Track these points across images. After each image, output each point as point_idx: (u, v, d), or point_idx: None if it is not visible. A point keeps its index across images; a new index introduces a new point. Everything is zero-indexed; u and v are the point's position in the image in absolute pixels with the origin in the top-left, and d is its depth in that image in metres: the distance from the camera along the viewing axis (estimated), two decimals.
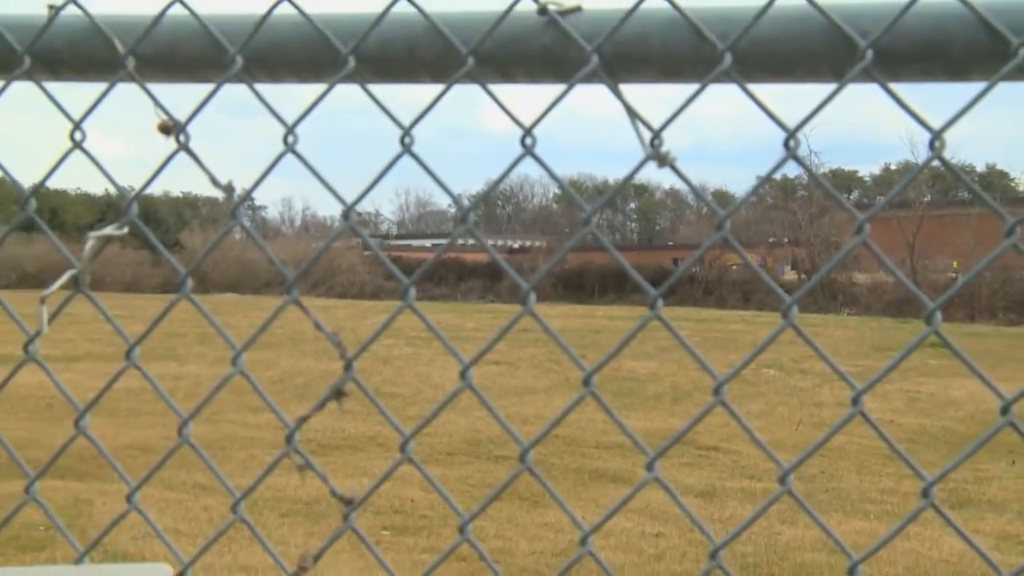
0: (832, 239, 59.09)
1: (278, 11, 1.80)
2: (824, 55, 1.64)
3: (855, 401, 1.66)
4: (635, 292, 48.11)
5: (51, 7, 1.91)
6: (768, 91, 1.70)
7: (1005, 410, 1.62)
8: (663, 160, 1.65)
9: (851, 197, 61.62)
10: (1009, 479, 14.95)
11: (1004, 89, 1.59)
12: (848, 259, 52.97)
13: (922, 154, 1.61)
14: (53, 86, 1.99)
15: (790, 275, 59.61)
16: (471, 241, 1.90)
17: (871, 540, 11.14)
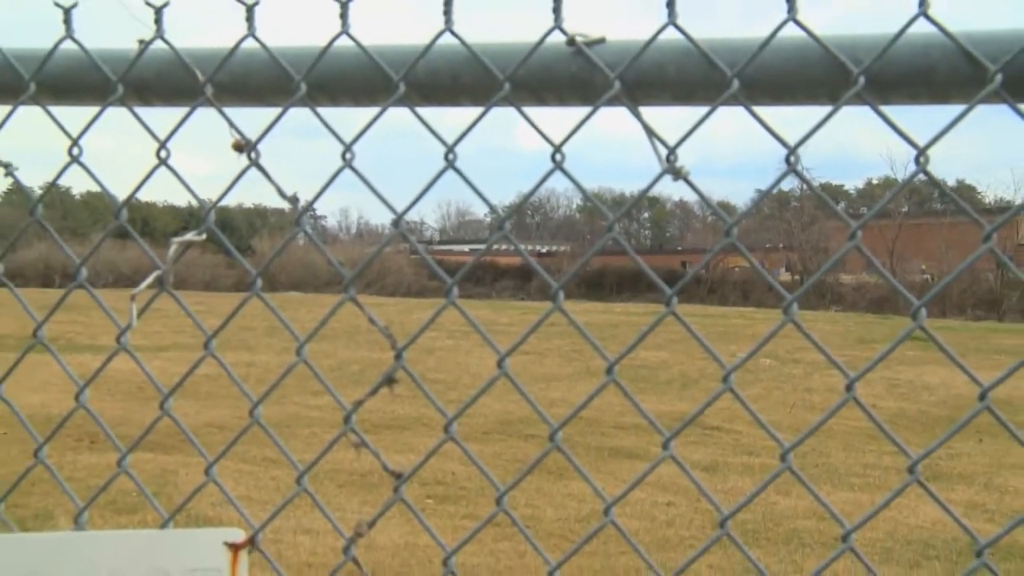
0: (821, 245, 59.04)
1: (338, 43, 1.79)
2: (821, 81, 1.63)
3: (848, 388, 1.64)
4: (649, 291, 48.12)
5: (141, 41, 1.90)
6: (769, 113, 1.68)
7: (983, 396, 1.60)
8: (677, 174, 1.64)
9: (842, 204, 61.50)
10: (977, 455, 14.90)
11: (976, 112, 1.57)
12: (831, 258, 52.72)
13: (900, 170, 1.59)
14: (141, 111, 1.98)
15: (784, 276, 59.78)
16: (503, 246, 1.89)
17: (856, 509, 11.15)
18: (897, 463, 14.57)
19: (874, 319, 40.09)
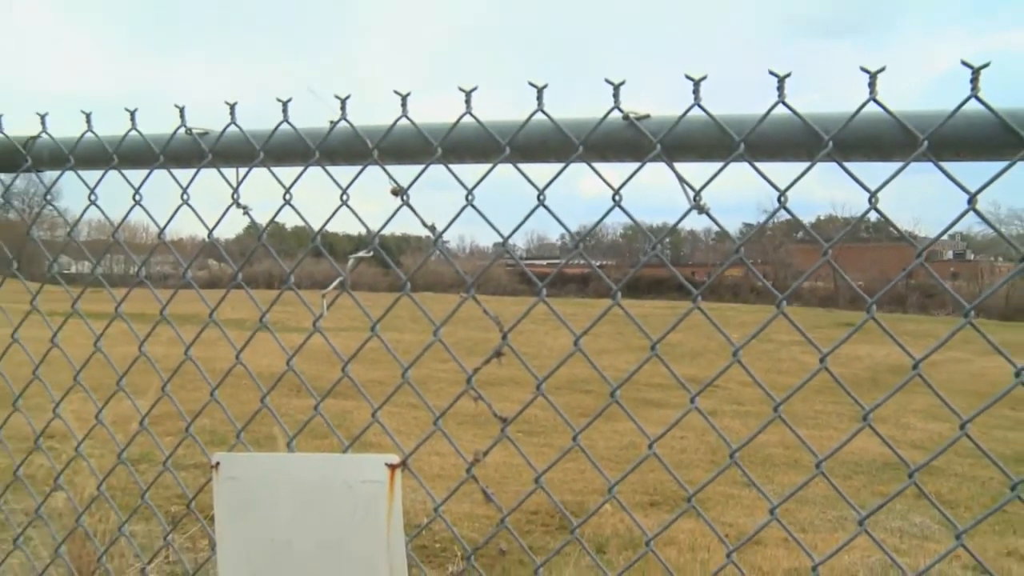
0: (787, 261, 58.44)
1: (464, 119, 1.76)
2: (801, 144, 1.58)
3: (822, 360, 1.58)
4: (670, 292, 47.77)
5: (331, 121, 1.89)
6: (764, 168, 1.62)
7: (915, 365, 1.53)
8: (701, 209, 1.59)
9: (797, 235, 61.09)
10: (890, 404, 14.56)
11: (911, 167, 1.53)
12: (794, 270, 52.68)
13: (839, 210, 1.55)
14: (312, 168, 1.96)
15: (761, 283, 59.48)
16: (562, 260, 1.86)
17: (813, 442, 11.05)
18: (838, 410, 14.45)
19: (822, 312, 39.78)
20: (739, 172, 1.63)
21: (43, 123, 2.30)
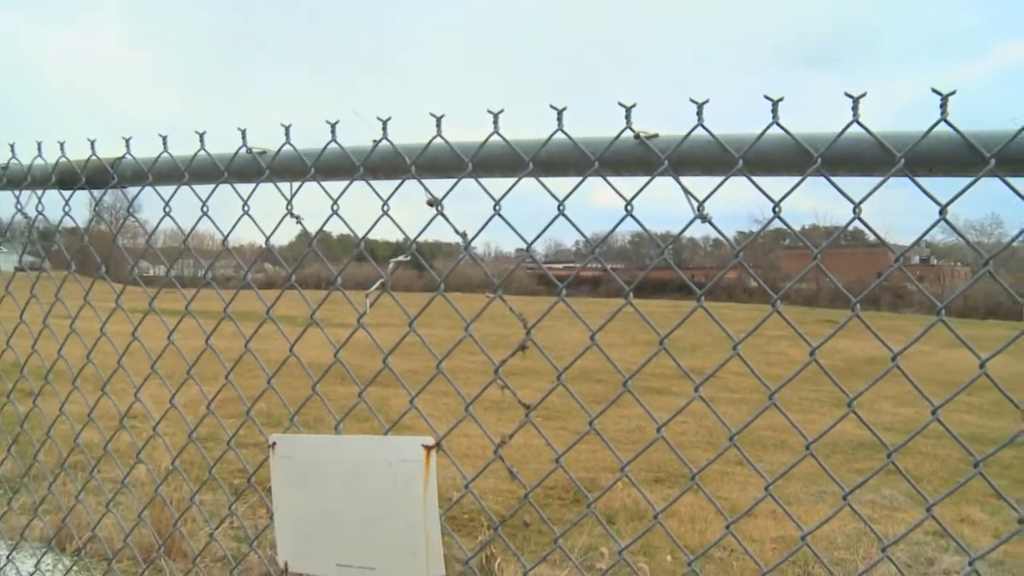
0: (776, 264, 58.06)
1: (492, 138, 1.74)
2: (794, 161, 1.55)
3: (812, 353, 1.54)
4: (673, 292, 47.29)
5: (374, 140, 1.87)
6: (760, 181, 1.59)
7: (894, 358, 1.51)
8: (704, 218, 1.56)
9: (785, 242, 60.83)
10: (868, 394, 14.44)
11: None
12: (781, 273, 52.41)
13: (821, 219, 1.54)
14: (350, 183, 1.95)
15: (752, 284, 59.27)
16: (576, 264, 1.83)
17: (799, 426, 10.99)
18: (820, 397, 14.29)
19: (805, 310, 39.53)
20: (733, 185, 1.61)
21: (127, 145, 2.31)
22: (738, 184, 1.60)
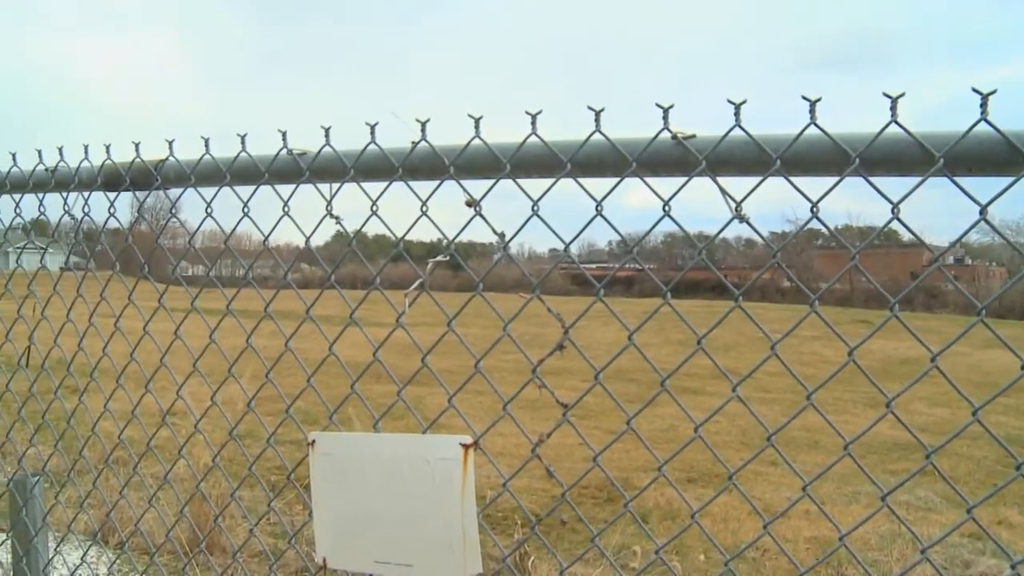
0: (808, 264, 57.38)
1: (531, 139, 1.74)
2: (831, 161, 1.53)
3: (850, 353, 1.53)
4: (706, 292, 46.68)
5: (413, 142, 1.88)
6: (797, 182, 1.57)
7: (933, 359, 1.49)
8: (742, 218, 1.55)
9: (817, 242, 59.96)
10: (903, 395, 14.25)
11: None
12: (814, 273, 51.85)
13: (854, 220, 1.51)
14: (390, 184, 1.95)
15: (786, 284, 58.54)
16: (609, 264, 1.83)
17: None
18: (853, 397, 14.15)
19: (840, 310, 39.06)
20: (764, 185, 1.59)
21: (170, 148, 2.34)
22: (769, 184, 1.58)
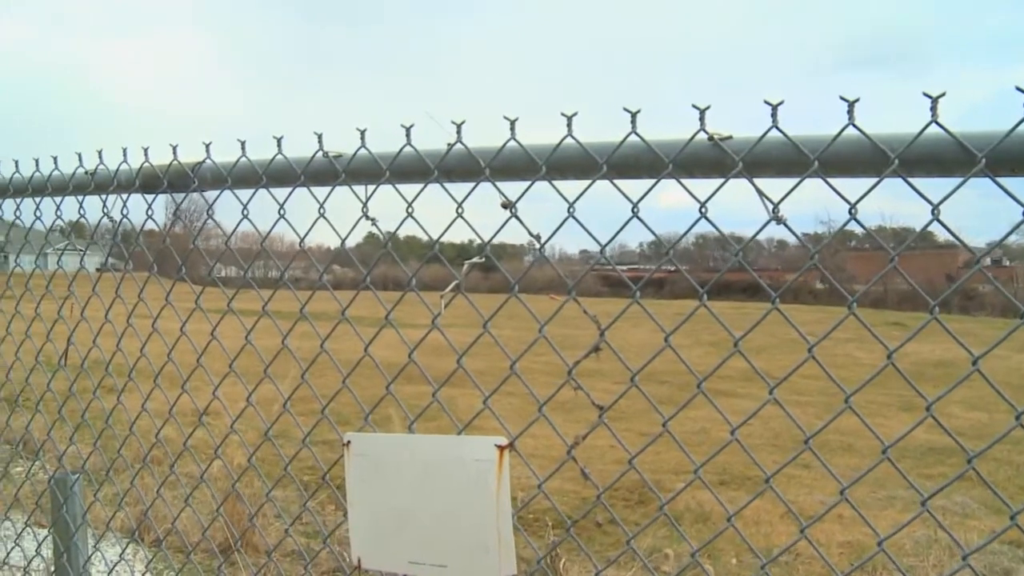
0: (841, 266, 56.68)
1: (567, 141, 1.74)
2: (870, 161, 1.51)
3: (889, 356, 1.52)
4: (737, 294, 46.00)
5: (449, 144, 1.88)
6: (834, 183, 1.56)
7: (975, 362, 1.48)
8: (779, 220, 1.54)
9: (851, 243, 59.02)
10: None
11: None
12: (847, 275, 51.13)
13: (887, 220, 1.50)
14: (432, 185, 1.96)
15: (819, 286, 57.76)
16: (640, 265, 1.82)
17: (865, 430, 10.81)
18: (887, 400, 13.94)
19: (873, 312, 38.57)
20: (798, 188, 1.58)
21: (207, 150, 2.37)
22: (801, 185, 1.58)
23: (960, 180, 1.47)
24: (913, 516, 1.63)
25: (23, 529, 3.32)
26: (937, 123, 1.45)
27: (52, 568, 3.02)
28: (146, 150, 2.51)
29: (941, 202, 1.47)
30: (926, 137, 1.48)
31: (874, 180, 1.53)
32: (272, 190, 2.26)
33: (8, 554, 3.33)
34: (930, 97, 1.44)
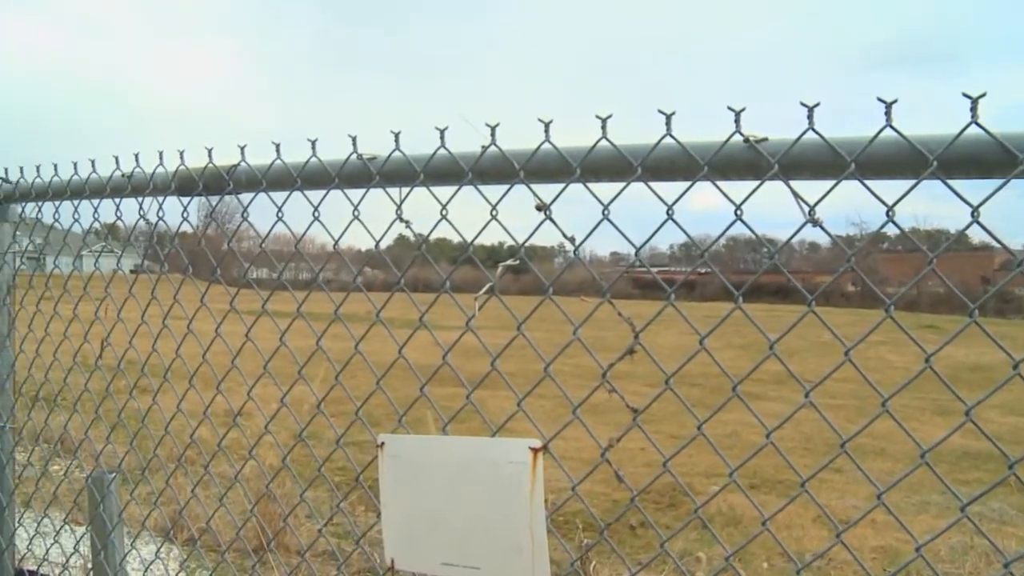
0: (874, 268, 56.01)
1: (601, 144, 1.74)
2: (908, 163, 1.50)
3: (927, 360, 1.50)
4: (768, 296, 45.35)
5: (483, 146, 1.89)
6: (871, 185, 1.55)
7: (1016, 366, 1.46)
8: (815, 222, 1.53)
9: (883, 245, 58.19)
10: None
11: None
12: (880, 277, 50.52)
13: (921, 222, 1.47)
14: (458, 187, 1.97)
15: (851, 288, 57.13)
16: (671, 268, 1.82)
17: (898, 433, 10.71)
18: (920, 404, 13.77)
19: (906, 314, 38.12)
20: (827, 188, 1.57)
21: (242, 153, 2.39)
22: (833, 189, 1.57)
23: (1001, 181, 1.45)
24: (952, 522, 1.61)
25: (61, 527, 3.37)
26: (977, 124, 1.43)
27: (90, 565, 3.06)
28: (182, 153, 2.54)
29: (981, 204, 1.45)
30: (964, 138, 1.46)
31: (911, 182, 1.51)
32: (306, 192, 2.28)
33: (48, 551, 3.38)
34: (970, 98, 1.42)
